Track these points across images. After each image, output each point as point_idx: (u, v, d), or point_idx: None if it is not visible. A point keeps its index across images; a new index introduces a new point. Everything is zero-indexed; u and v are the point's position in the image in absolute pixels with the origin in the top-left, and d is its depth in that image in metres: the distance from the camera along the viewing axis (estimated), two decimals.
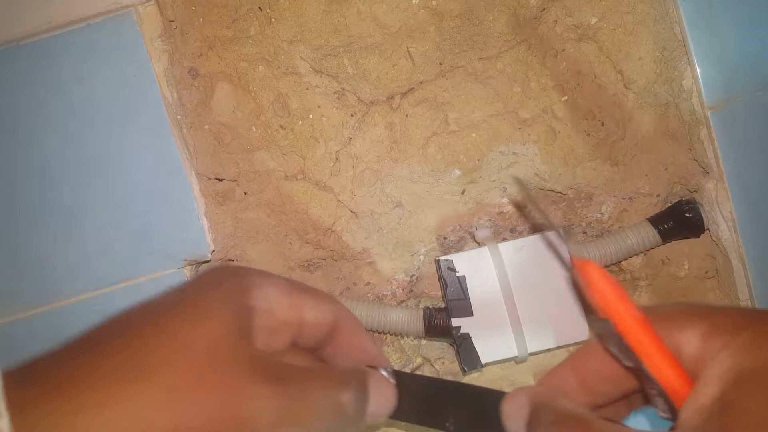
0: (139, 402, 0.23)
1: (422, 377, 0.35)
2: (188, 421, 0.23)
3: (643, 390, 0.29)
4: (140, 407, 0.23)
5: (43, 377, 0.23)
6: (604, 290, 0.27)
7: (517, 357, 0.41)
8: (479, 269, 0.41)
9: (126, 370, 0.23)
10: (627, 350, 0.26)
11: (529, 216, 0.45)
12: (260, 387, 0.25)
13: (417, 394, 0.32)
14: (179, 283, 0.29)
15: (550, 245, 0.41)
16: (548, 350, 0.42)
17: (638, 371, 0.27)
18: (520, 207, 0.45)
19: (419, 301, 0.46)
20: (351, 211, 0.45)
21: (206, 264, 0.45)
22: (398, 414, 0.32)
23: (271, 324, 0.28)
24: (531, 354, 0.41)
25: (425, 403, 0.33)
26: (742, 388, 0.22)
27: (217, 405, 0.24)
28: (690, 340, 0.25)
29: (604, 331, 0.27)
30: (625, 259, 0.45)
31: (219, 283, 0.28)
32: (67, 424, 0.22)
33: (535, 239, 0.42)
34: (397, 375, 0.33)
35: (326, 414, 0.27)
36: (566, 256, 0.41)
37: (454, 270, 0.41)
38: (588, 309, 0.28)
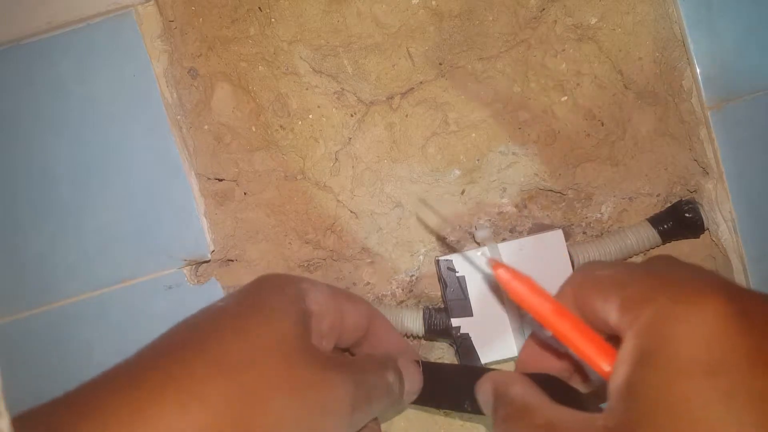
0: (233, 397, 0.24)
1: (438, 364, 0.37)
2: (290, 411, 0.25)
3: (582, 370, 0.29)
4: (234, 403, 0.24)
5: (131, 377, 0.25)
6: (516, 289, 0.27)
7: (516, 357, 0.41)
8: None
9: (217, 367, 0.25)
10: (556, 339, 0.27)
11: (529, 216, 0.45)
12: (335, 376, 0.27)
13: (436, 380, 0.34)
14: (236, 290, 0.31)
15: (473, 263, 0.41)
16: None
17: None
18: (519, 208, 0.45)
19: (419, 301, 0.46)
20: (351, 211, 0.45)
21: (206, 264, 0.45)
22: (421, 399, 0.34)
23: (323, 327, 0.30)
24: None
25: (444, 388, 0.34)
26: (640, 372, 0.22)
27: (313, 397, 0.26)
28: (612, 313, 0.25)
29: (533, 324, 0.28)
30: (625, 260, 0.45)
31: (282, 289, 0.30)
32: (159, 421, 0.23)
33: (534, 239, 0.42)
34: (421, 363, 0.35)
35: (382, 393, 0.30)
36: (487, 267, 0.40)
37: (453, 270, 0.41)
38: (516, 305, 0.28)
